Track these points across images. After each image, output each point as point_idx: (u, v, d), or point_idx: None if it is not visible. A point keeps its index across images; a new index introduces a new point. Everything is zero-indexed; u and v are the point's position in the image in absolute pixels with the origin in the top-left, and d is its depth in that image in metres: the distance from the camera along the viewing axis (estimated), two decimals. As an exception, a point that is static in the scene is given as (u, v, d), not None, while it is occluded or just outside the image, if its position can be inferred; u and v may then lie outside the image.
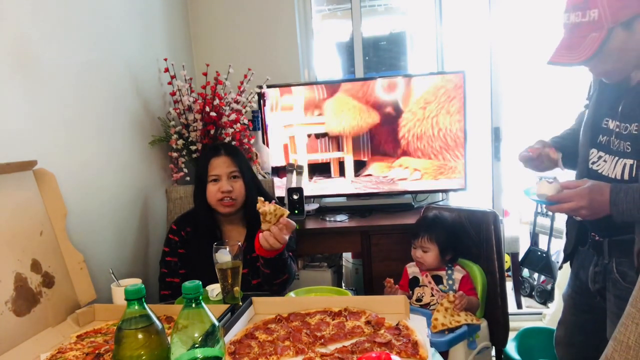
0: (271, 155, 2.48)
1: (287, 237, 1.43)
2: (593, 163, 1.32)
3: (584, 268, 1.39)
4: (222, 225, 1.74)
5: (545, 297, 3.03)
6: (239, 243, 1.36)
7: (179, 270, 1.69)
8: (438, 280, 1.83)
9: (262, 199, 1.41)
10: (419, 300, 1.82)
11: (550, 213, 3.07)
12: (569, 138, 1.47)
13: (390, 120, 2.40)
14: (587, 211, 1.19)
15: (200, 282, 0.84)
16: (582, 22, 1.17)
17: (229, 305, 1.28)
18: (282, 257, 1.51)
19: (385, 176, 2.46)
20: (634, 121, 1.20)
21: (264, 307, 1.30)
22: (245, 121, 2.32)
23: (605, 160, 1.29)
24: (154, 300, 1.93)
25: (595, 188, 1.18)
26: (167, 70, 2.20)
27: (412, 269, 1.90)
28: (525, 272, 3.25)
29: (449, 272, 1.83)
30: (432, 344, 1.19)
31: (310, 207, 2.50)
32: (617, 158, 1.25)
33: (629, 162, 1.21)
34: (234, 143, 2.20)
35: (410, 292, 1.85)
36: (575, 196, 1.19)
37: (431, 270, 1.84)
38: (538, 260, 3.11)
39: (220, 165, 1.67)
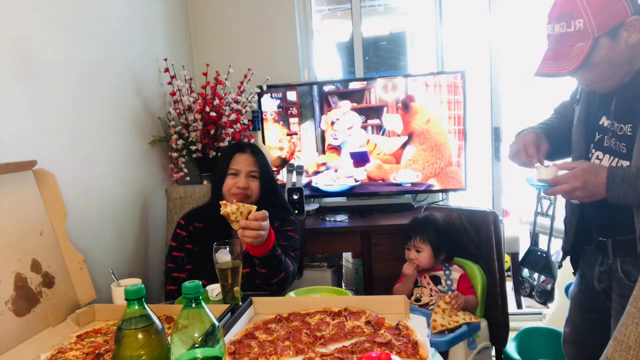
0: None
1: (263, 224, 1.39)
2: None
3: (589, 267, 1.39)
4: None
5: (545, 297, 3.03)
6: (239, 243, 1.36)
7: (186, 266, 1.69)
8: (436, 280, 1.83)
9: (225, 202, 1.39)
10: (417, 300, 1.82)
11: (550, 213, 3.07)
12: (555, 128, 1.45)
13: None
14: (581, 192, 1.18)
15: (200, 282, 0.84)
16: (568, 33, 1.17)
17: (229, 305, 1.28)
18: (274, 253, 1.49)
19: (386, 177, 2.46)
20: (628, 122, 1.20)
21: (264, 307, 1.30)
22: (245, 121, 2.33)
23: (599, 159, 1.29)
24: (154, 300, 1.93)
25: (590, 170, 1.18)
26: (167, 70, 2.20)
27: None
28: (525, 272, 3.25)
29: (447, 272, 1.83)
30: (432, 344, 1.19)
31: (310, 207, 2.50)
32: (613, 158, 1.25)
33: (626, 163, 1.21)
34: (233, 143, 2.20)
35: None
36: (569, 178, 1.19)
37: (429, 271, 1.85)
38: (538, 260, 3.10)
39: (242, 162, 1.68)
